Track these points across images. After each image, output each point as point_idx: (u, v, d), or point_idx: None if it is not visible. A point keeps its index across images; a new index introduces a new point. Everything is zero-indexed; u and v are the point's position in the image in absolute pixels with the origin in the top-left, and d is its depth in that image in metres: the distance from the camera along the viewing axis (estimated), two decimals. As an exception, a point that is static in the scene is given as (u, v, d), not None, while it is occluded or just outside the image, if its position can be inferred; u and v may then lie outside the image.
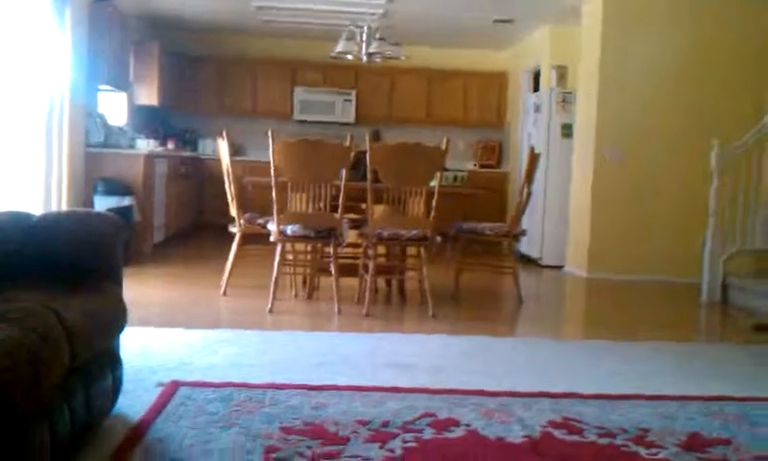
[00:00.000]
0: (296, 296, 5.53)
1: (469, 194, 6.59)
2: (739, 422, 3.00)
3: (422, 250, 5.26)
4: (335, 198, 5.09)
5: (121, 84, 7.81)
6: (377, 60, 6.96)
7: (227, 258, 5.55)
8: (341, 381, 3.30)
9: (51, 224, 2.84)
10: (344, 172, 4.97)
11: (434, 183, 5.07)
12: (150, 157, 7.08)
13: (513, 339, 4.65)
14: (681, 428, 2.88)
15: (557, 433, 2.76)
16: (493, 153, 10.67)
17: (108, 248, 2.78)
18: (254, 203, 6.36)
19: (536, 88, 9.25)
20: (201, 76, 10.03)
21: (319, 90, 10.14)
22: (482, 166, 10.44)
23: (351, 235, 5.76)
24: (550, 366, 3.88)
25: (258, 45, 10.32)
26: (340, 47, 6.66)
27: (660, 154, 7.22)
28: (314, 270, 5.56)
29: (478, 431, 2.74)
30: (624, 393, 3.32)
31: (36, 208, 5.62)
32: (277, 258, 5.04)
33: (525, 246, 8.34)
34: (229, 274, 5.47)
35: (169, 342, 3.91)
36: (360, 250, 5.59)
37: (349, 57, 6.85)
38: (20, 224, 2.76)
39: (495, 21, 8.56)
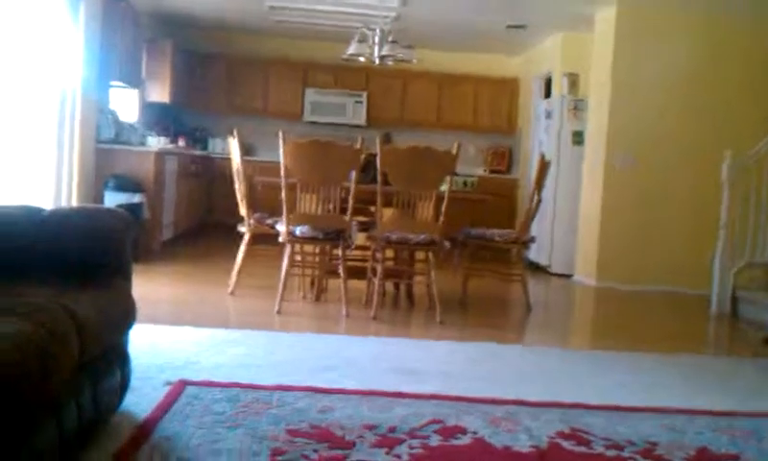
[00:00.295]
0: (304, 297, 5.52)
1: (479, 199, 6.56)
2: (747, 437, 2.97)
3: (431, 254, 5.25)
4: (344, 200, 5.08)
5: (133, 80, 7.82)
6: (389, 62, 6.96)
7: (235, 258, 5.55)
8: (348, 385, 3.29)
9: (62, 219, 2.84)
10: (354, 174, 4.96)
11: (444, 188, 5.06)
12: (160, 155, 7.09)
13: (520, 347, 4.63)
14: (689, 443, 2.85)
15: (565, 444, 2.74)
16: (503, 159, 10.64)
17: (117, 244, 2.78)
18: (264, 203, 6.36)
19: (547, 95, 9.23)
20: (212, 74, 10.04)
21: (330, 92, 10.13)
22: (492, 172, 10.42)
23: (360, 238, 5.75)
24: (558, 375, 3.86)
25: (270, 45, 10.32)
26: (352, 49, 6.66)
27: (670, 163, 7.19)
28: (322, 272, 5.55)
29: (485, 439, 2.72)
30: (632, 405, 3.29)
31: (47, 203, 5.64)
32: (286, 259, 5.04)
33: (534, 253, 8.31)
34: (238, 273, 5.47)
35: (177, 340, 3.91)
36: (368, 253, 5.59)
37: (361, 59, 6.85)
38: (32, 218, 2.76)
39: (508, 27, 8.54)
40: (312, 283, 5.63)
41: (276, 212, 5.48)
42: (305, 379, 3.33)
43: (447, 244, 5.22)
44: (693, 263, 6.84)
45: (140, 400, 2.85)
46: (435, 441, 2.67)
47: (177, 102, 9.33)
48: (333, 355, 3.88)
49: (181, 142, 9.20)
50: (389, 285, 5.95)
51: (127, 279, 2.81)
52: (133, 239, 2.91)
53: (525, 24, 8.47)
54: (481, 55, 10.49)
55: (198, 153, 9.37)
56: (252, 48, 10.27)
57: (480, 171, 10.32)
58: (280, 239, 5.06)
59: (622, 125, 7.21)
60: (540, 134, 8.72)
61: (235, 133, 5.39)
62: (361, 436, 2.67)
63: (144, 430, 2.57)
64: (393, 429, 2.75)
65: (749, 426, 3.11)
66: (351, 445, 2.58)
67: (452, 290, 5.85)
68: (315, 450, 2.50)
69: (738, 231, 6.23)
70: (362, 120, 10.13)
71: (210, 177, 9.64)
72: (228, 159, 5.79)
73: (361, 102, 10.13)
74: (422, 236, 5.08)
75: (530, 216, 5.75)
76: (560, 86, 8.52)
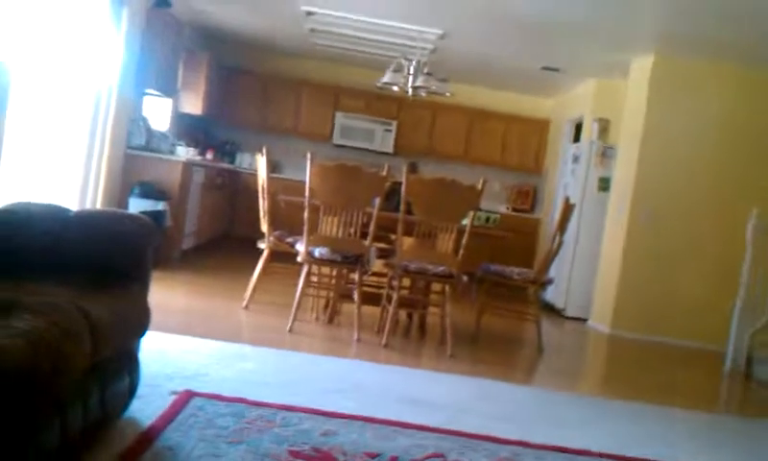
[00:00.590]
0: (316, 319, 5.53)
1: (500, 236, 6.55)
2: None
3: (447, 287, 5.25)
4: (366, 225, 5.10)
5: (168, 90, 7.92)
6: (423, 94, 7.00)
7: (252, 273, 5.58)
8: (353, 410, 3.29)
9: (87, 221, 2.88)
10: (377, 200, 4.98)
11: (466, 222, 5.07)
12: (188, 165, 7.17)
13: (529, 388, 4.60)
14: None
15: (566, 490, 2.71)
16: (527, 197, 10.64)
17: (139, 250, 2.81)
18: (285, 221, 6.40)
19: (576, 139, 9.23)
20: (246, 90, 10.16)
21: (360, 117, 10.20)
22: (514, 209, 10.40)
23: (378, 264, 5.77)
24: (564, 420, 3.82)
25: (305, 66, 10.44)
26: (387, 78, 6.71)
27: (695, 217, 7.14)
28: (337, 295, 5.56)
29: (486, 478, 2.71)
30: (638, 456, 3.26)
31: (72, 204, 5.71)
32: (302, 279, 5.06)
33: (550, 294, 8.27)
34: (253, 289, 5.50)
35: (187, 350, 3.93)
36: (385, 279, 5.59)
37: (395, 88, 6.90)
38: (57, 218, 2.80)
39: (543, 68, 8.58)
40: (326, 305, 5.64)
41: (296, 231, 5.52)
42: (311, 401, 3.33)
43: (465, 278, 5.22)
44: (711, 319, 6.77)
45: (146, 406, 2.86)
46: (435, 475, 2.66)
47: (209, 114, 9.44)
48: (341, 379, 3.88)
49: (210, 155, 9.30)
50: (402, 314, 5.95)
51: (145, 286, 2.84)
52: (155, 247, 2.94)
53: (560, 67, 8.50)
54: (513, 93, 10.53)
55: (225, 166, 9.45)
56: (287, 68, 10.39)
57: (503, 208, 10.31)
58: (299, 259, 5.09)
59: (650, 174, 7.18)
60: (567, 177, 8.71)
61: (264, 150, 5.45)
62: (362, 463, 2.66)
63: (147, 438, 2.58)
64: (394, 459, 2.74)
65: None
66: (351, 471, 2.58)
67: (465, 324, 5.83)
68: (314, 474, 2.50)
69: (760, 291, 6.16)
70: (389, 148, 10.18)
71: (235, 190, 9.73)
72: (254, 175, 5.85)
73: (390, 130, 10.19)
74: (441, 268, 5.08)
75: (550, 257, 5.73)
76: (590, 131, 8.52)
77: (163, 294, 5.37)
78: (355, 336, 4.97)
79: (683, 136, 7.17)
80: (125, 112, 6.44)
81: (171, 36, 7.61)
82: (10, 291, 2.16)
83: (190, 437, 2.65)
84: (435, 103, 9.72)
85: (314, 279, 5.54)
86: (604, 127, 8.30)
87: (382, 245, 5.84)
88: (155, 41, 7.06)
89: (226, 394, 3.23)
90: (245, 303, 5.49)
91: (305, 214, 5.00)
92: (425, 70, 6.77)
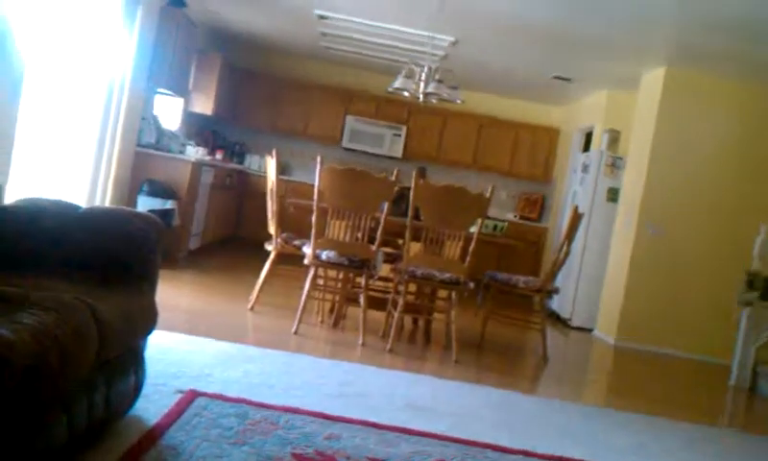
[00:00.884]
0: (322, 322, 5.53)
1: (506, 244, 6.55)
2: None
3: (453, 294, 5.24)
4: (373, 230, 5.11)
5: (180, 89, 7.95)
6: (433, 100, 7.00)
7: (258, 274, 5.59)
8: (357, 415, 3.29)
9: (96, 218, 2.89)
10: (386, 205, 4.98)
11: (473, 229, 5.07)
12: (197, 165, 7.18)
13: (534, 397, 4.59)
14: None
15: (568, 501, 2.70)
16: (535, 206, 10.62)
17: (147, 249, 2.82)
18: (292, 223, 6.41)
19: (586, 148, 9.21)
20: (257, 92, 10.18)
21: (370, 122, 10.21)
22: (522, 218, 10.39)
23: (384, 269, 5.77)
24: (568, 430, 3.81)
25: (316, 70, 10.46)
26: (398, 83, 6.71)
27: (702, 231, 7.13)
28: (343, 298, 5.57)
29: (489, 487, 2.70)
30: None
31: (81, 199, 5.73)
32: (309, 282, 5.06)
33: (556, 303, 8.26)
34: (259, 290, 5.51)
35: (192, 350, 3.94)
36: (391, 284, 5.59)
37: (406, 94, 6.89)
38: (67, 214, 2.82)
39: (555, 77, 8.58)
40: (332, 309, 5.64)
41: (303, 234, 5.52)
42: (315, 404, 3.33)
43: (471, 285, 5.22)
44: (716, 332, 6.75)
45: (150, 405, 2.87)
46: (438, 482, 2.66)
47: (219, 115, 9.47)
48: (346, 383, 3.88)
49: (219, 155, 9.32)
50: (407, 320, 5.94)
51: (152, 284, 2.85)
52: (163, 247, 2.94)
53: (572, 77, 8.50)
54: (524, 102, 10.54)
55: (234, 166, 9.47)
56: (298, 70, 10.42)
57: (511, 216, 10.30)
58: (305, 261, 5.09)
59: (658, 186, 7.16)
60: (575, 187, 8.69)
61: (274, 153, 5.47)
62: (364, 468, 2.66)
63: (151, 436, 2.59)
64: (397, 465, 2.74)
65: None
66: (354, 476, 2.57)
67: (471, 331, 5.82)
68: (317, 477, 2.50)
69: (765, 306, 6.13)
70: (398, 153, 10.19)
71: (243, 192, 9.75)
72: (263, 176, 5.87)
73: (399, 135, 10.19)
74: (447, 275, 5.08)
75: (557, 267, 5.72)
76: (599, 142, 8.51)
77: (169, 293, 5.38)
78: (360, 340, 4.97)
79: (692, 149, 7.15)
80: (136, 111, 6.45)
81: (184, 36, 7.64)
82: (19, 286, 2.17)
83: (194, 437, 2.66)
84: (445, 109, 9.72)
85: (320, 281, 5.54)
86: (614, 137, 8.29)
87: (389, 250, 5.84)
88: (168, 41, 7.08)
89: (230, 394, 3.23)
90: (251, 305, 5.50)
91: (313, 217, 5.00)
92: (437, 77, 6.77)
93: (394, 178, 5.01)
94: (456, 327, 5.07)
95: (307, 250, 5.09)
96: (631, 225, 7.30)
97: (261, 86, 10.19)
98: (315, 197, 4.98)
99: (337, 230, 5.06)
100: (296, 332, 4.92)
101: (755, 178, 7.10)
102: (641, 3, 5.48)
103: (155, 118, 7.40)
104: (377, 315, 5.56)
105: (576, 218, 5.69)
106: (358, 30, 7.99)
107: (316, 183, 4.94)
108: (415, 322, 6.04)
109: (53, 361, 1.87)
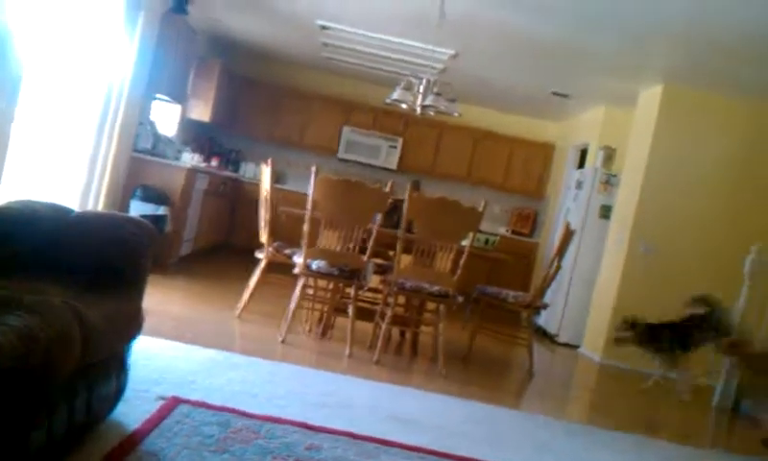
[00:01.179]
0: (309, 331, 5.55)
1: (497, 259, 6.59)
2: None
3: (442, 307, 5.27)
4: (365, 240, 5.14)
5: (178, 96, 7.97)
6: (431, 113, 7.03)
7: (248, 282, 5.61)
8: (339, 425, 3.30)
9: (89, 222, 2.91)
10: (379, 217, 5.02)
11: (465, 243, 5.10)
12: (192, 172, 7.21)
13: (518, 412, 4.60)
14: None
15: (544, 518, 2.72)
16: (528, 221, 10.66)
17: (138, 255, 2.84)
18: (284, 232, 6.43)
19: (581, 165, 9.26)
20: (256, 100, 10.21)
21: (366, 133, 10.24)
22: (514, 232, 10.42)
23: (374, 280, 5.79)
24: (550, 446, 3.83)
25: (315, 80, 10.51)
26: (396, 95, 6.74)
27: (694, 252, 7.15)
28: (331, 308, 5.59)
29: (466, 501, 2.72)
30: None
31: (74, 202, 5.74)
32: (298, 291, 5.09)
33: (543, 319, 8.28)
34: (248, 298, 5.52)
35: (177, 357, 3.95)
36: (380, 296, 5.61)
37: (404, 106, 6.94)
38: (60, 218, 2.84)
39: (553, 93, 8.63)
40: (320, 319, 5.66)
41: (294, 243, 5.55)
42: (298, 413, 3.35)
43: (460, 298, 5.24)
44: (703, 354, 6.75)
45: (132, 410, 2.89)
46: (415, 495, 2.68)
47: (216, 122, 9.50)
48: (330, 394, 3.89)
49: (214, 162, 9.36)
50: (394, 332, 5.96)
51: (140, 290, 2.87)
52: (153, 252, 2.96)
53: (569, 93, 8.55)
54: (520, 116, 10.60)
55: (228, 174, 9.50)
56: (296, 80, 10.46)
57: (503, 230, 10.33)
58: (295, 271, 5.11)
59: (652, 204, 7.19)
60: (569, 203, 8.73)
61: (269, 161, 5.49)
62: (343, 479, 2.67)
63: (131, 442, 2.60)
64: (375, 477, 2.76)
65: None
66: (332, 487, 2.59)
67: (457, 344, 5.84)
68: (295, 487, 2.51)
69: (752, 327, 6.16)
70: (394, 165, 10.23)
71: (236, 199, 9.77)
72: (257, 185, 5.89)
73: (395, 147, 10.23)
74: (437, 288, 5.10)
75: (547, 282, 5.75)
76: (594, 159, 8.55)
77: (158, 299, 5.40)
78: (347, 351, 4.99)
79: (686, 168, 7.19)
80: (133, 116, 6.47)
81: (184, 42, 7.67)
82: (7, 288, 2.19)
83: (174, 444, 2.67)
84: (441, 122, 9.77)
85: (309, 291, 5.56)
86: (609, 155, 8.33)
87: (380, 261, 5.86)
88: (168, 47, 7.11)
89: (213, 402, 3.25)
90: (238, 312, 5.51)
91: (305, 226, 5.03)
92: (435, 89, 6.81)
93: (388, 189, 5.03)
94: (443, 341, 5.09)
95: (298, 259, 5.12)
96: (623, 242, 7.34)
97: (260, 95, 10.22)
98: (308, 206, 5.01)
99: (329, 239, 5.09)
100: (283, 341, 4.94)
101: (748, 198, 7.12)
102: (646, 21, 5.52)
103: (152, 124, 7.42)
104: (365, 326, 5.58)
105: (568, 234, 5.73)
106: (360, 41, 8.04)
107: (310, 193, 4.97)
108: (402, 334, 6.06)
109: (37, 364, 1.88)
